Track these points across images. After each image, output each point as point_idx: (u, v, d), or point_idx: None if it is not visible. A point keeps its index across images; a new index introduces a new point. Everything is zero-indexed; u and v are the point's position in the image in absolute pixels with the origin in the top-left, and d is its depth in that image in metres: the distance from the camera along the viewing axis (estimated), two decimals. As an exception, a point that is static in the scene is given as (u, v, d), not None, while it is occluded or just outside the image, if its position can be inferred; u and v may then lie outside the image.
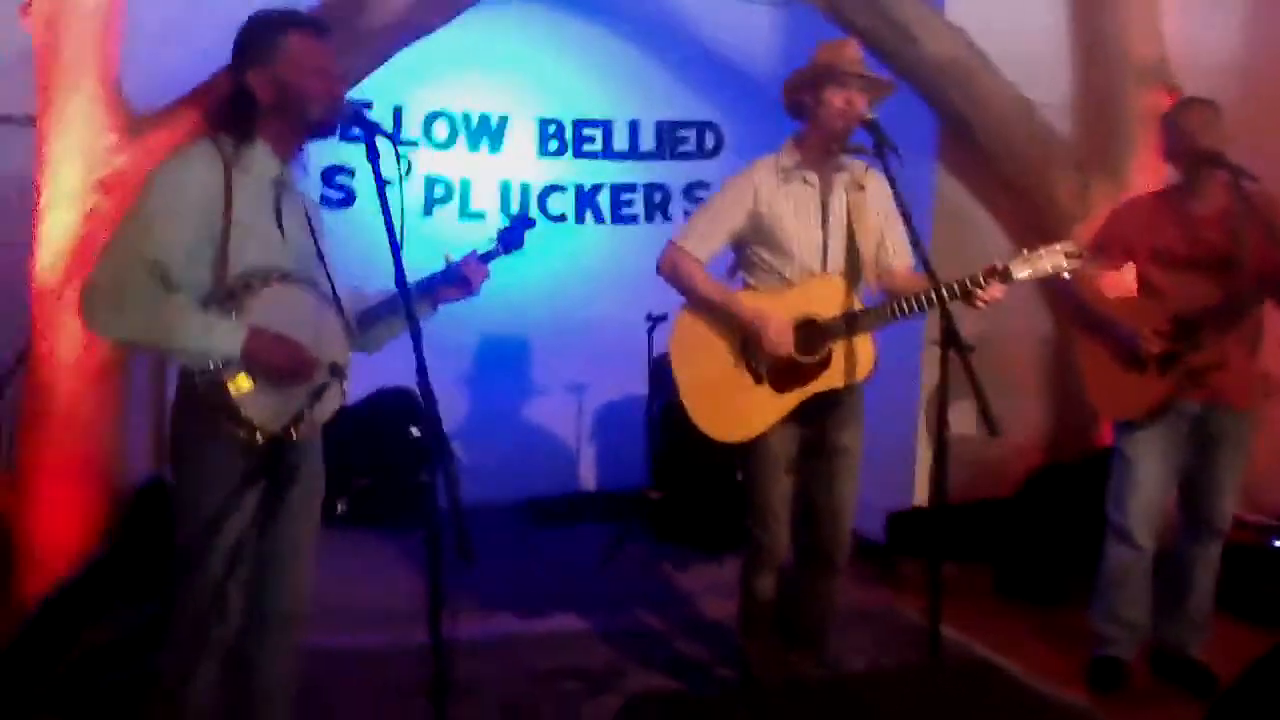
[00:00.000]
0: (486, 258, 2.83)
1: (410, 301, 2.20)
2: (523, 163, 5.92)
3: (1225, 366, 3.43)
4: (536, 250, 5.81)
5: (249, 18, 2.46)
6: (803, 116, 3.20)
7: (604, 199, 6.01)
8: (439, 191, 5.77)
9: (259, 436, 2.27)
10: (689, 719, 1.83)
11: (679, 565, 4.84)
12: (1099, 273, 3.67)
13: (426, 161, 5.75)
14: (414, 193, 5.71)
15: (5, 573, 3.76)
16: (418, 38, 4.18)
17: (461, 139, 5.81)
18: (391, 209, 2.21)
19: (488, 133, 5.84)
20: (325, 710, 3.32)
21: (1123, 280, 3.79)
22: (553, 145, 5.94)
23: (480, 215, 5.85)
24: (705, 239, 3.22)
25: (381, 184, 2.24)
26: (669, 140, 6.09)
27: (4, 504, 3.84)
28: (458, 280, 2.76)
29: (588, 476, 6.15)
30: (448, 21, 4.20)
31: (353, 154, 5.59)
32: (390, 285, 2.36)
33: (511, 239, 2.91)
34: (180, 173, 2.32)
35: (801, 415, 3.18)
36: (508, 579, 4.68)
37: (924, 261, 2.82)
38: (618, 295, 5.25)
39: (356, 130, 2.40)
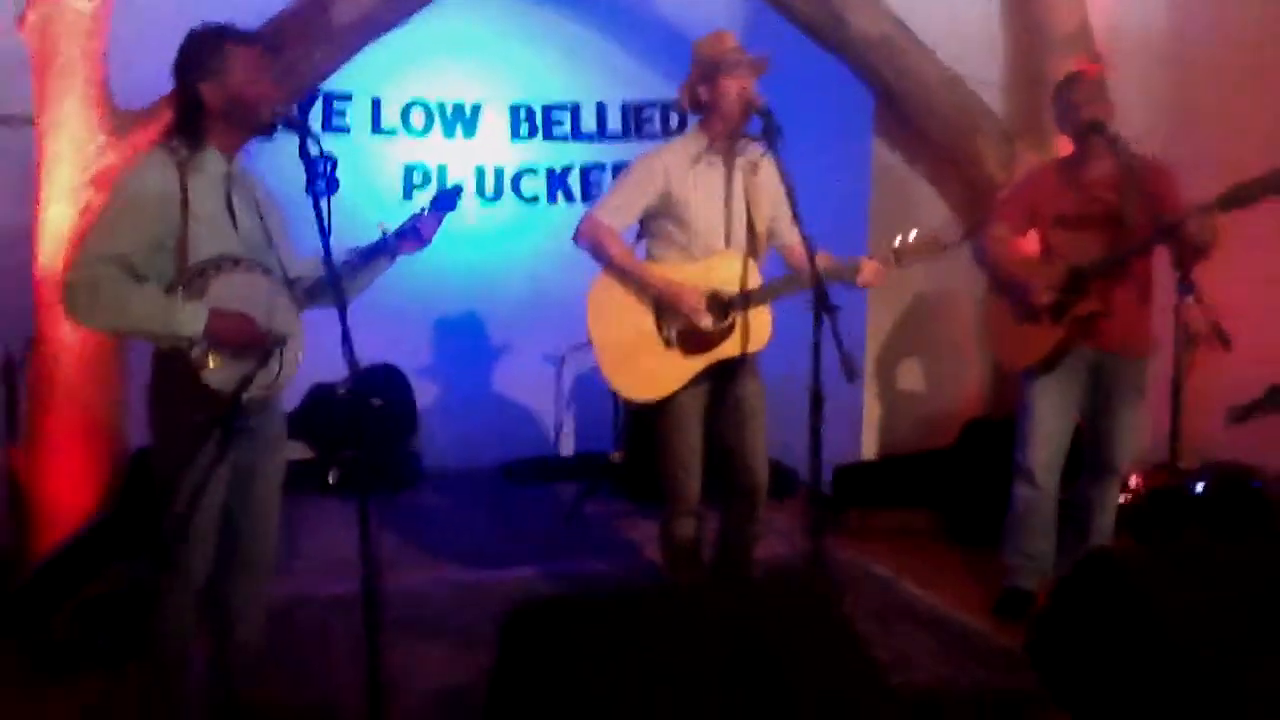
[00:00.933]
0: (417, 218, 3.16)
1: (338, 278, 2.58)
2: (496, 147, 6.26)
3: (1112, 315, 3.74)
4: (513, 230, 6.31)
5: (190, 32, 2.77)
6: (701, 110, 3.54)
7: (574, 179, 6.35)
8: (417, 178, 6.13)
9: (218, 399, 2.65)
10: (562, 617, 2.21)
11: (634, 519, 5.22)
12: (1006, 236, 3.98)
13: (405, 149, 6.12)
14: (394, 179, 6.08)
15: (23, 534, 4.18)
16: (383, 33, 4.49)
17: (437, 127, 6.15)
18: (321, 199, 2.54)
19: (462, 120, 6.18)
20: (315, 645, 3.73)
21: (1029, 244, 4.12)
22: (524, 130, 6.28)
23: (456, 198, 6.21)
24: (620, 212, 3.54)
25: (312, 177, 2.56)
26: (635, 120, 6.40)
27: (22, 473, 4.26)
28: (413, 236, 3.09)
29: (566, 442, 6.52)
30: (410, 17, 4.51)
31: (336, 144, 5.94)
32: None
33: (444, 203, 3.22)
34: (138, 178, 2.67)
35: (706, 377, 3.53)
36: (484, 534, 5.08)
37: (804, 239, 3.16)
38: (591, 271, 5.61)
39: (294, 128, 2.70)
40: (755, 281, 3.47)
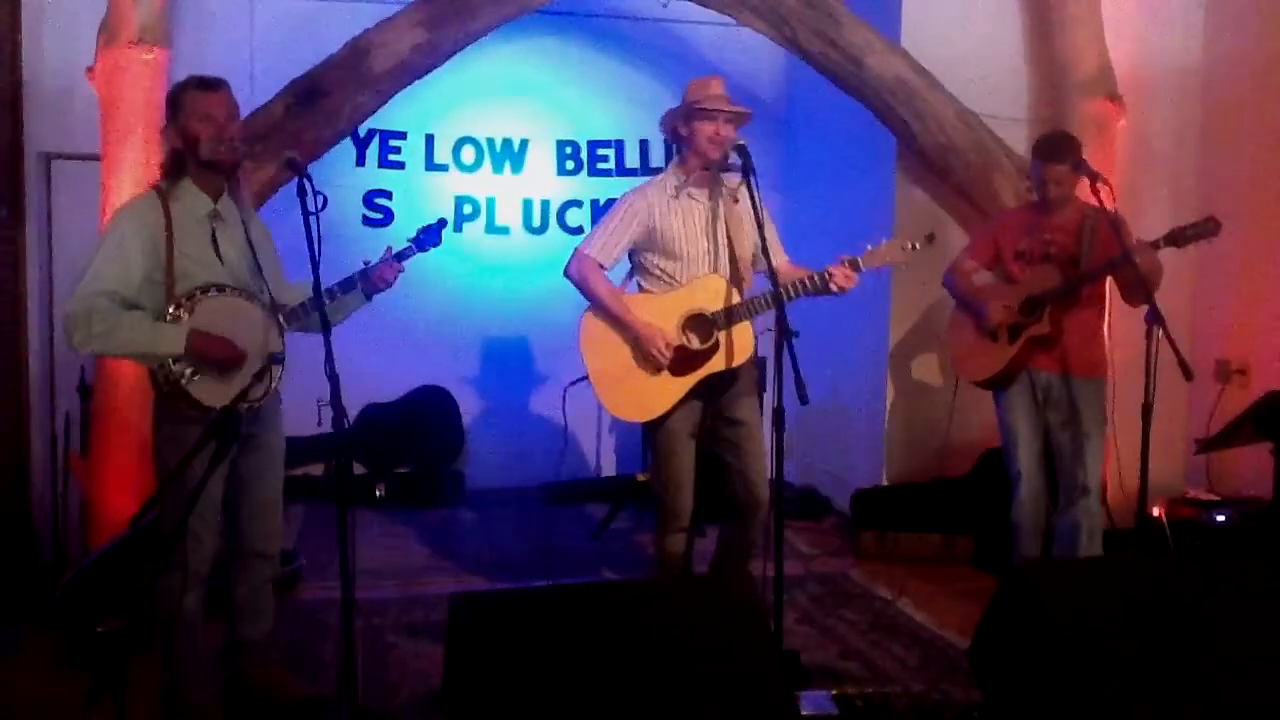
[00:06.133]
0: (401, 255, 3.40)
1: (323, 304, 2.85)
2: (543, 181, 6.55)
3: (1063, 338, 4.06)
4: (558, 260, 6.42)
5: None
6: (681, 143, 3.81)
7: (618, 212, 6.61)
8: (468, 210, 6.45)
9: (210, 413, 2.95)
10: (498, 608, 2.44)
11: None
12: (972, 269, 4.31)
13: (456, 183, 6.44)
14: (446, 211, 6.39)
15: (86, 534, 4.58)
16: (417, 78, 4.81)
17: (487, 161, 6.47)
18: (313, 231, 2.81)
19: (510, 155, 6.49)
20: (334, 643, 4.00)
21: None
22: (569, 165, 6.56)
23: (505, 230, 6.52)
24: (607, 248, 3.80)
25: (306, 213, 2.83)
26: (678, 155, 6.61)
27: (84, 481, 4.66)
28: (378, 276, 3.35)
29: (605, 464, 6.75)
30: (442, 63, 4.82)
31: (391, 179, 6.33)
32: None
33: (426, 239, 3.48)
34: (130, 220, 3.01)
35: (700, 394, 3.73)
36: (517, 550, 5.33)
37: (769, 266, 3.41)
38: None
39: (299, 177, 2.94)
40: (736, 300, 3.69)
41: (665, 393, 3.72)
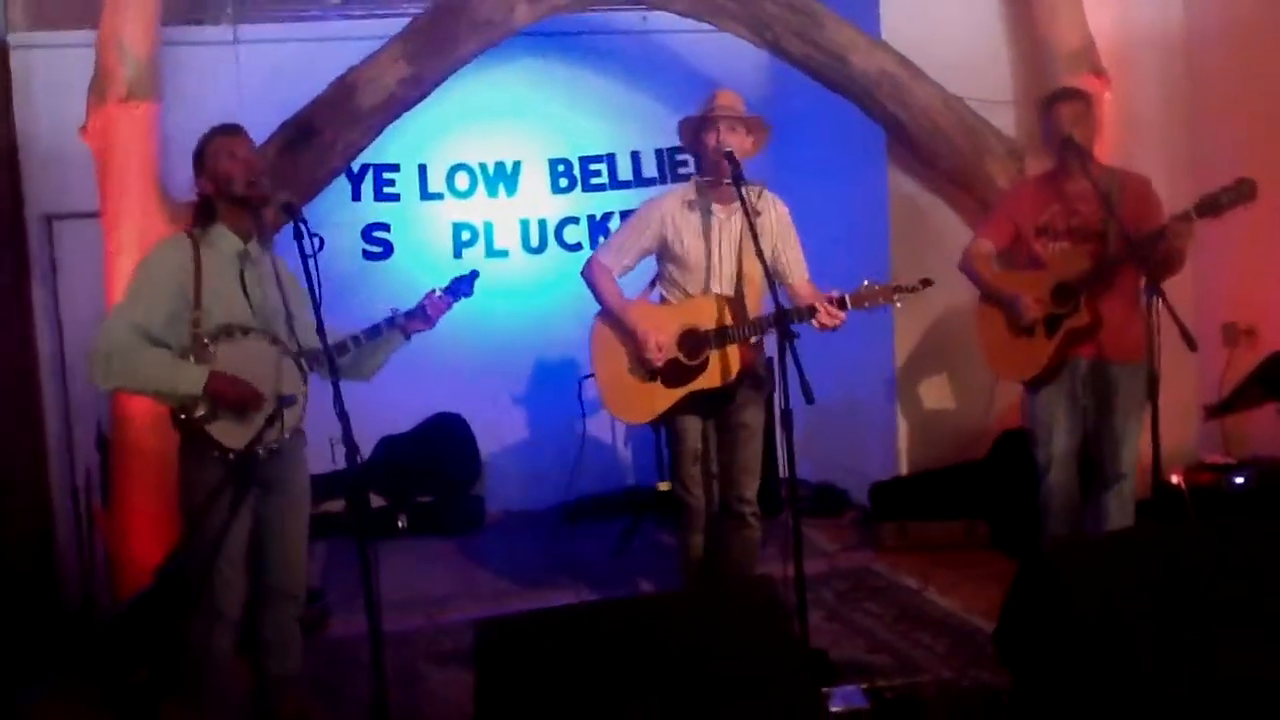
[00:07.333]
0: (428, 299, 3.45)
1: (330, 350, 2.88)
2: (538, 201, 6.59)
3: (1103, 326, 3.88)
4: (560, 278, 6.59)
5: None
6: (698, 155, 3.89)
7: (614, 225, 6.59)
8: (465, 236, 6.48)
9: (230, 454, 2.99)
10: (524, 632, 2.46)
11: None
12: (989, 251, 4.14)
13: (452, 210, 6.48)
14: (444, 239, 6.44)
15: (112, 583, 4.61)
16: (404, 111, 4.89)
17: (481, 186, 6.50)
18: (312, 275, 2.84)
19: (504, 178, 6.52)
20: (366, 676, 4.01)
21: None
22: (563, 182, 6.59)
23: (504, 253, 6.55)
24: (619, 254, 3.91)
25: (304, 257, 2.86)
26: (669, 165, 6.64)
27: (107, 532, 4.71)
28: (421, 317, 3.42)
29: (623, 477, 6.75)
30: (427, 95, 4.89)
31: (388, 212, 6.37)
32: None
33: (459, 288, 3.54)
34: (158, 258, 3.09)
35: (704, 406, 3.82)
36: (542, 570, 5.34)
37: (769, 280, 3.50)
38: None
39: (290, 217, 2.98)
40: (729, 320, 3.75)
41: (654, 400, 3.84)
